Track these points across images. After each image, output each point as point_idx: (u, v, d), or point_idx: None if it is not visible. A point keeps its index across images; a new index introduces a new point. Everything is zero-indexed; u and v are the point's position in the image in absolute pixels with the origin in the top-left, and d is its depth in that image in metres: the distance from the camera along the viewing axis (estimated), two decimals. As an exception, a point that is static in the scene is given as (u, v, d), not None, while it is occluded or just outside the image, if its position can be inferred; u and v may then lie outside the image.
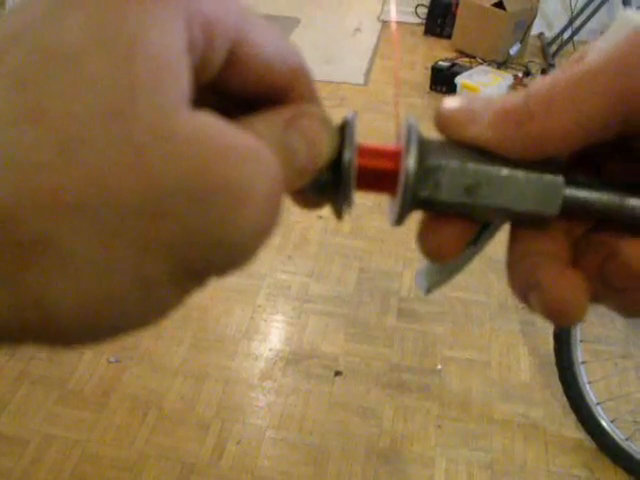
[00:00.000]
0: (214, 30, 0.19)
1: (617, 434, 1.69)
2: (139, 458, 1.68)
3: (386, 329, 2.05)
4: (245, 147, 0.18)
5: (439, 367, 1.94)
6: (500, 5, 3.56)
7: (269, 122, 0.22)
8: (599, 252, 0.25)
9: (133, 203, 0.16)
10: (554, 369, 1.80)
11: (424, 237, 0.26)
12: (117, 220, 0.16)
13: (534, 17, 3.76)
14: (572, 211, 0.25)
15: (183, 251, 0.17)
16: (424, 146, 0.24)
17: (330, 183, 0.24)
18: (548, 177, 0.24)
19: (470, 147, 0.24)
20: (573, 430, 1.79)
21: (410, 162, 0.23)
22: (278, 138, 0.21)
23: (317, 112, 0.23)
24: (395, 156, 0.25)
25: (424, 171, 0.24)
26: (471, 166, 0.24)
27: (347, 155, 0.24)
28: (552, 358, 1.81)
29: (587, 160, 0.26)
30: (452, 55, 3.70)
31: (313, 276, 2.23)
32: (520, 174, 0.24)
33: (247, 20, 0.21)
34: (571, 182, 0.24)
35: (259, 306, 2.10)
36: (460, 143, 0.24)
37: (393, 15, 4.21)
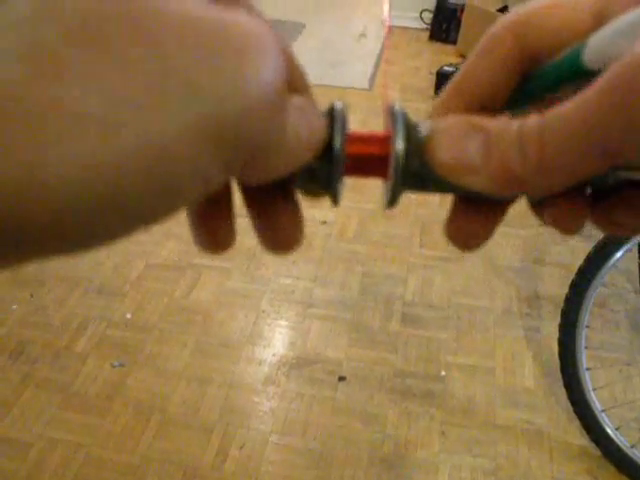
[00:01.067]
0: None
1: (622, 441, 1.69)
2: (142, 462, 1.67)
3: (390, 334, 2.05)
4: (251, 22, 0.18)
5: (443, 373, 1.94)
6: (506, 10, 3.56)
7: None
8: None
9: (139, 67, 0.16)
10: (559, 375, 1.80)
11: (452, 225, 0.27)
12: (124, 85, 0.15)
13: (539, 23, 3.75)
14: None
15: (198, 105, 0.16)
16: (411, 128, 0.25)
17: (322, 173, 0.25)
18: None
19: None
20: (578, 437, 1.78)
21: (398, 142, 0.24)
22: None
23: (312, 98, 0.24)
24: (384, 140, 0.25)
25: (412, 151, 0.24)
26: None
27: (337, 141, 0.24)
28: (557, 364, 1.80)
29: None
30: (457, 60, 3.70)
31: (317, 281, 2.23)
32: None
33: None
34: None
35: (263, 311, 2.10)
36: None
37: (386, 13, 4.20)
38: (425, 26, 4.20)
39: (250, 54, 0.18)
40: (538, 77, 0.26)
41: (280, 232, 0.27)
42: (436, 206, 2.59)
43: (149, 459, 1.68)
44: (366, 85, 3.54)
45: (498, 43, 0.25)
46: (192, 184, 0.18)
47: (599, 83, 0.19)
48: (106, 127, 0.15)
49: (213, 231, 0.26)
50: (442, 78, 3.40)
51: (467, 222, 0.27)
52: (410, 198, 2.61)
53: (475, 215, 0.26)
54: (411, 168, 0.24)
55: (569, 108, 0.20)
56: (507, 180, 0.22)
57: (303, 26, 4.18)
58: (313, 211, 2.51)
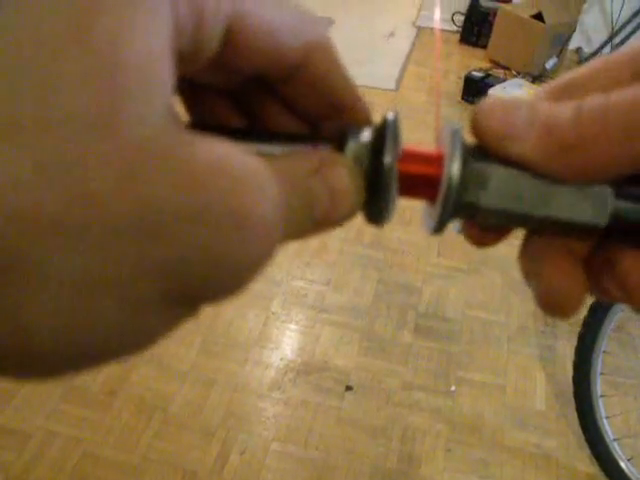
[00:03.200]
0: (204, 7, 0.17)
1: (634, 474, 1.64)
2: (141, 462, 1.65)
3: (401, 345, 2.01)
4: (247, 168, 0.17)
5: (453, 388, 1.90)
6: (539, 17, 3.50)
7: (293, 166, 0.20)
8: (601, 256, 0.25)
9: (122, 224, 0.15)
10: (571, 398, 1.76)
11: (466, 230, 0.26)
12: (103, 240, 0.15)
13: (573, 31, 3.68)
14: (620, 223, 0.23)
15: (177, 272, 0.16)
16: (467, 151, 0.23)
17: (368, 188, 0.23)
18: (597, 188, 0.23)
19: None
20: (587, 464, 1.74)
21: (454, 167, 0.22)
22: (300, 183, 0.20)
23: (343, 161, 0.22)
24: (436, 161, 0.23)
25: (467, 177, 0.23)
26: (516, 174, 0.22)
27: (387, 159, 0.22)
28: (570, 386, 1.76)
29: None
30: (486, 65, 3.64)
31: (330, 285, 2.19)
32: (563, 214, 0.23)
33: None
34: (621, 194, 0.23)
35: (273, 313, 2.07)
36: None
37: (437, 17, 4.15)
38: (456, 29, 4.14)
39: (246, 232, 0.17)
40: None
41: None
42: (456, 215, 2.54)
43: (148, 459, 1.66)
44: (392, 86, 3.49)
45: None
46: (154, 333, 0.18)
47: None
48: (83, 295, 0.15)
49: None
50: (470, 83, 3.34)
51: (482, 234, 0.26)
52: (430, 205, 2.57)
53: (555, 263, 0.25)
54: (463, 195, 0.23)
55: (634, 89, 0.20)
56: (555, 147, 0.21)
57: (332, 22, 4.13)
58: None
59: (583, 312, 1.72)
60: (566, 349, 2.01)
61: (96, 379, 1.83)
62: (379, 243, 2.39)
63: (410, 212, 2.54)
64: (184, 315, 0.18)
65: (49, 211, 0.14)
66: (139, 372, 1.85)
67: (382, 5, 4.51)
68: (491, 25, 3.81)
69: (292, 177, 0.20)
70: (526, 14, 3.54)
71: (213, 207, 0.16)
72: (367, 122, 0.25)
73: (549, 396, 1.90)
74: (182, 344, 1.94)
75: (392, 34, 4.11)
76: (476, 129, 0.23)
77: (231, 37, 0.19)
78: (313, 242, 2.34)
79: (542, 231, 0.25)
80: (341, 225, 0.22)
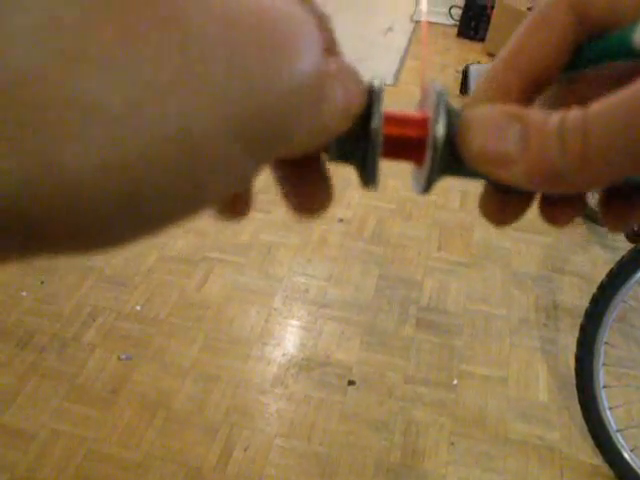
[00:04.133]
0: None
1: (637, 464, 1.64)
2: (144, 459, 1.65)
3: (403, 339, 2.01)
4: (296, 10, 0.18)
5: (455, 382, 1.90)
6: (536, 10, 3.49)
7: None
8: None
9: (169, 53, 0.14)
10: (574, 390, 1.76)
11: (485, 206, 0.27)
12: (153, 73, 0.14)
13: (571, 23, 3.67)
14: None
15: (236, 98, 0.15)
16: (452, 112, 0.23)
17: (356, 151, 0.24)
18: None
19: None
20: (590, 456, 1.74)
21: (439, 129, 0.23)
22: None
23: (353, 67, 0.22)
24: (422, 123, 0.24)
25: (452, 137, 0.23)
26: None
27: (375, 122, 0.23)
28: (572, 378, 1.76)
29: None
30: (484, 59, 3.64)
31: (331, 280, 2.19)
32: None
33: None
34: None
35: (275, 309, 2.07)
36: None
37: (424, 8, 4.15)
38: (453, 22, 4.14)
39: (294, 44, 0.17)
40: (587, 50, 0.25)
41: (308, 198, 0.26)
42: (456, 209, 2.54)
43: (152, 456, 1.66)
44: (391, 81, 3.49)
45: (554, 13, 0.24)
46: (220, 182, 0.17)
47: None
48: (130, 121, 0.14)
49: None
50: (468, 76, 3.34)
51: (500, 205, 0.26)
52: (429, 199, 2.56)
53: (508, 198, 0.26)
54: (448, 154, 0.23)
55: (616, 100, 0.19)
56: (545, 174, 0.21)
57: (329, 18, 4.12)
58: (330, 209, 2.46)
59: (585, 304, 1.72)
60: (568, 341, 2.01)
61: (98, 378, 1.83)
62: (380, 238, 2.39)
63: (410, 207, 2.54)
64: (244, 166, 0.17)
65: (97, 48, 0.14)
66: (141, 370, 1.85)
67: (380, 0, 4.50)
68: (489, 18, 3.81)
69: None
70: (524, 6, 3.54)
71: (254, 27, 0.16)
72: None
73: (552, 388, 1.90)
74: (184, 341, 1.94)
75: (390, 29, 4.10)
76: (467, 147, 0.23)
77: None
78: (314, 238, 2.34)
79: None
80: (346, 124, 0.22)
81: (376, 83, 0.24)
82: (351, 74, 0.22)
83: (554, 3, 0.24)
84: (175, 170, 0.15)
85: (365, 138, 0.23)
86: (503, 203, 0.26)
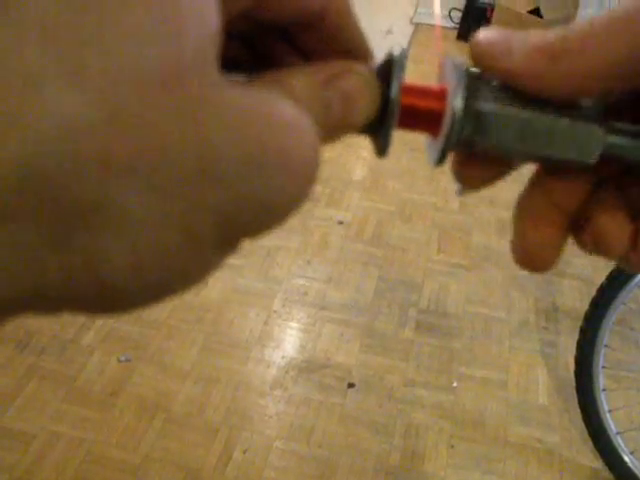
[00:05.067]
0: None
1: (637, 467, 1.64)
2: (143, 461, 1.65)
3: (403, 342, 2.01)
4: (294, 119, 0.19)
5: (455, 384, 1.90)
6: (536, 12, 3.50)
7: (307, 81, 0.22)
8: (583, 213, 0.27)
9: (187, 168, 0.16)
10: (573, 393, 1.76)
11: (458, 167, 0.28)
12: (171, 183, 0.16)
13: (571, 26, 3.67)
14: (610, 159, 0.25)
15: (231, 213, 0.18)
16: (470, 86, 0.24)
17: (372, 119, 0.24)
18: (591, 126, 0.24)
19: (512, 89, 0.24)
20: (590, 459, 1.73)
21: (457, 102, 0.23)
22: (315, 96, 0.21)
23: (361, 69, 0.23)
24: (440, 95, 0.25)
25: (470, 113, 0.24)
26: (518, 113, 0.24)
27: (394, 92, 0.23)
28: (572, 381, 1.76)
29: (627, 109, 0.27)
30: (484, 61, 3.64)
31: (331, 282, 2.19)
32: (564, 122, 0.24)
33: None
34: (611, 129, 0.25)
35: (274, 311, 2.07)
36: (499, 80, 0.25)
37: (437, 9, 4.15)
38: (453, 25, 4.13)
39: (291, 173, 0.18)
40: None
41: None
42: (456, 211, 2.54)
43: (151, 459, 1.65)
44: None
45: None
46: (215, 263, 0.20)
47: None
48: (153, 228, 0.17)
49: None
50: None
51: (533, 232, 0.27)
52: (429, 202, 2.56)
53: (538, 223, 0.27)
54: (465, 128, 0.24)
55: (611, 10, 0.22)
56: (544, 57, 0.22)
57: (329, 20, 4.12)
58: (330, 211, 2.47)
59: (585, 307, 1.72)
60: (568, 344, 2.01)
61: (98, 380, 1.83)
62: (379, 240, 2.39)
63: (410, 209, 2.53)
64: (231, 250, 0.20)
65: (120, 157, 0.15)
66: (141, 372, 1.85)
67: (379, 2, 4.50)
68: (488, 21, 3.81)
69: (309, 91, 0.21)
70: (523, 9, 3.55)
71: (267, 156, 0.18)
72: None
73: (551, 391, 1.90)
74: (184, 343, 1.94)
75: (389, 31, 4.11)
76: (475, 49, 0.24)
77: None
78: (313, 240, 2.34)
79: (540, 154, 0.26)
80: (358, 130, 0.24)
81: (396, 52, 0.24)
82: (361, 83, 0.23)
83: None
84: (183, 262, 0.18)
85: (383, 107, 0.24)
86: (535, 236, 0.27)
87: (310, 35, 0.24)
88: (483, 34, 0.24)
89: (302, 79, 0.22)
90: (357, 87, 0.23)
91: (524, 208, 0.27)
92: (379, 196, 2.58)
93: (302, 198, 0.20)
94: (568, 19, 3.63)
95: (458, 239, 2.41)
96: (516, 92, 0.24)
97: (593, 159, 0.25)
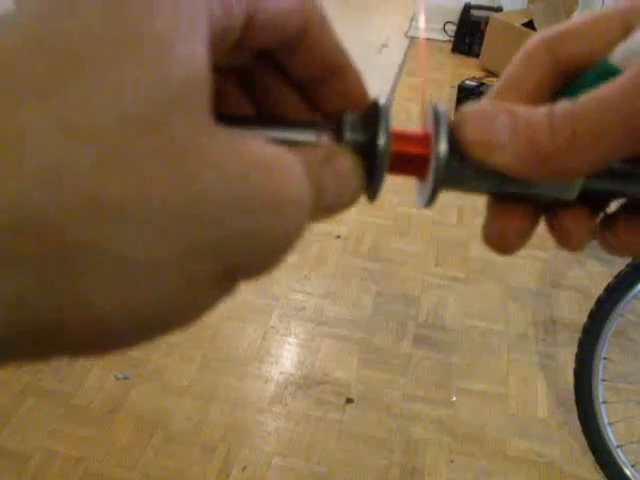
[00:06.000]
0: (231, 1, 0.19)
1: (638, 479, 1.63)
2: (142, 480, 1.64)
3: (401, 356, 2.00)
4: (278, 159, 0.19)
5: (454, 399, 1.89)
6: (530, 25, 3.51)
7: (308, 155, 0.22)
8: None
9: (178, 210, 0.17)
10: (573, 405, 1.75)
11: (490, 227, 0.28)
12: (162, 226, 0.17)
13: (565, 39, 3.69)
14: (588, 197, 0.27)
15: (224, 253, 0.18)
16: (451, 130, 0.25)
17: (362, 167, 0.25)
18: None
19: None
20: (591, 472, 1.72)
21: (442, 146, 0.24)
22: (314, 171, 0.22)
23: (347, 154, 0.24)
24: (424, 140, 0.26)
25: (453, 153, 0.25)
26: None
27: (381, 141, 0.24)
28: (571, 393, 1.75)
29: None
30: (479, 74, 3.65)
31: (329, 297, 2.18)
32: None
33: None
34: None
35: (272, 327, 2.06)
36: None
37: (421, 25, 4.16)
38: (448, 38, 4.15)
39: (283, 215, 0.19)
40: (576, 80, 0.27)
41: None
42: (453, 225, 2.54)
43: (149, 477, 1.64)
44: (385, 97, 3.50)
45: (534, 53, 0.27)
46: (212, 302, 0.20)
47: (631, 70, 0.21)
48: (148, 272, 0.17)
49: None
50: (464, 92, 3.35)
51: (505, 222, 0.27)
52: (426, 215, 2.56)
53: (511, 213, 0.27)
54: (450, 169, 0.25)
55: (603, 92, 0.22)
56: (535, 157, 0.23)
57: (325, 34, 4.14)
58: (327, 225, 2.47)
59: (583, 318, 1.72)
60: (567, 356, 2.00)
61: (95, 398, 1.82)
62: (377, 254, 2.39)
63: (407, 222, 2.53)
64: (228, 290, 0.20)
65: (112, 200, 0.16)
66: (138, 389, 1.84)
67: (374, 17, 4.52)
68: (483, 34, 3.82)
69: (309, 166, 0.22)
70: (517, 22, 3.56)
71: (255, 196, 0.18)
72: (358, 86, 0.27)
73: (551, 404, 1.89)
74: (181, 360, 1.93)
75: (385, 45, 4.12)
76: (459, 138, 0.24)
77: (248, 21, 0.21)
78: (311, 255, 2.34)
79: (527, 192, 0.27)
80: (348, 209, 0.24)
81: (381, 101, 0.25)
82: (351, 167, 0.24)
83: (533, 45, 0.27)
84: (180, 303, 0.19)
85: (371, 155, 0.25)
86: (506, 225, 0.27)
87: (296, 58, 0.25)
88: (466, 117, 0.24)
89: (302, 154, 0.22)
90: (349, 168, 0.24)
91: (500, 197, 0.28)
92: (376, 210, 2.58)
93: (294, 237, 0.20)
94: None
95: (456, 252, 2.41)
96: None
97: (570, 197, 0.26)
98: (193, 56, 0.17)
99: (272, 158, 0.19)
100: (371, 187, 0.26)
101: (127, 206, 0.16)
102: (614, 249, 0.27)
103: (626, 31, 0.25)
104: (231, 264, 0.19)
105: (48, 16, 0.16)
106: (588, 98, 0.22)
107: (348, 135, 0.25)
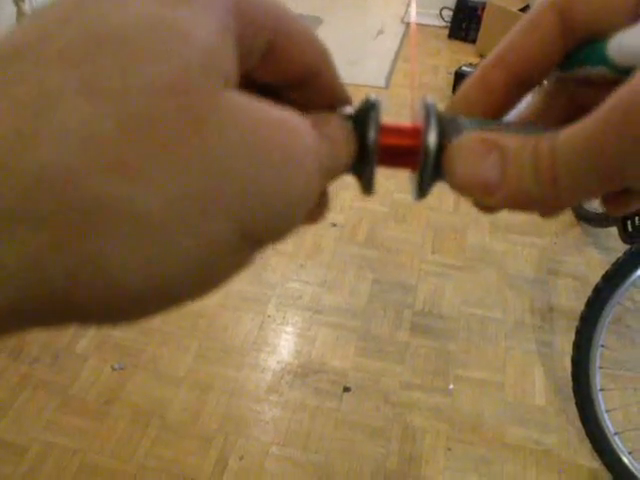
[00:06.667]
0: (257, 23, 0.21)
1: (635, 467, 1.63)
2: (139, 471, 1.63)
3: (398, 344, 1.99)
4: (292, 119, 0.20)
5: (451, 387, 1.88)
6: (527, 10, 3.49)
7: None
8: None
9: (196, 170, 0.17)
10: (571, 393, 1.74)
11: None
12: (181, 185, 0.17)
13: (562, 24, 3.67)
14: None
15: (243, 211, 0.18)
16: (442, 122, 0.25)
17: (354, 161, 0.26)
18: None
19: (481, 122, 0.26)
20: (589, 459, 1.72)
21: (431, 138, 0.25)
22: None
23: (340, 119, 0.25)
24: (415, 133, 0.26)
25: (442, 145, 0.25)
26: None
27: (371, 135, 0.25)
28: (569, 381, 1.75)
29: None
30: (476, 60, 3.63)
31: (325, 286, 2.18)
32: None
33: (283, 11, 0.22)
34: None
35: (269, 316, 2.05)
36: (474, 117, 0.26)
37: (413, 14, 4.14)
38: (444, 24, 4.13)
39: (298, 169, 0.20)
40: (576, 54, 0.26)
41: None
42: (450, 212, 2.53)
43: (146, 467, 1.64)
44: (382, 83, 3.48)
45: (542, 17, 0.26)
46: (230, 269, 0.20)
47: (603, 109, 0.20)
48: (167, 232, 0.17)
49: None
50: (460, 78, 3.33)
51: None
52: (423, 203, 2.55)
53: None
54: (441, 161, 0.25)
55: (576, 131, 0.21)
56: (523, 201, 0.23)
57: (320, 21, 4.11)
58: (323, 213, 2.45)
59: (580, 305, 1.71)
60: (564, 344, 2.00)
61: (91, 389, 1.81)
62: (373, 242, 2.38)
63: (403, 210, 2.52)
64: (246, 257, 0.21)
65: (135, 161, 0.16)
66: (135, 380, 1.84)
67: (370, 2, 4.49)
68: (479, 19, 3.80)
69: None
70: (514, 7, 3.54)
71: (269, 149, 0.19)
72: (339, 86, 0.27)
73: (548, 392, 1.89)
74: (177, 350, 1.92)
75: (381, 31, 4.10)
76: (451, 175, 0.25)
77: (270, 49, 0.22)
78: (307, 243, 2.33)
79: None
80: (343, 173, 0.25)
81: (372, 97, 0.26)
82: (341, 130, 0.25)
83: (542, 7, 0.26)
84: (199, 266, 0.18)
85: (363, 149, 0.25)
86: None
87: (300, 92, 0.25)
88: (458, 158, 0.24)
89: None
90: (340, 133, 0.24)
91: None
92: (372, 197, 2.57)
93: (309, 191, 0.21)
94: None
95: (452, 240, 2.40)
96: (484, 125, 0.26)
97: None
98: (212, 34, 0.18)
99: (281, 115, 0.20)
100: (365, 180, 0.26)
101: (147, 167, 0.16)
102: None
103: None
104: (248, 225, 0.19)
105: (77, 2, 0.18)
106: (566, 137, 0.22)
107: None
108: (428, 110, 0.26)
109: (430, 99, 0.26)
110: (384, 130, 0.26)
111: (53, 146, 0.15)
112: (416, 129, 0.26)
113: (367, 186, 0.27)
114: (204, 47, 0.18)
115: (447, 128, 0.25)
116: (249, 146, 0.18)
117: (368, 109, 0.26)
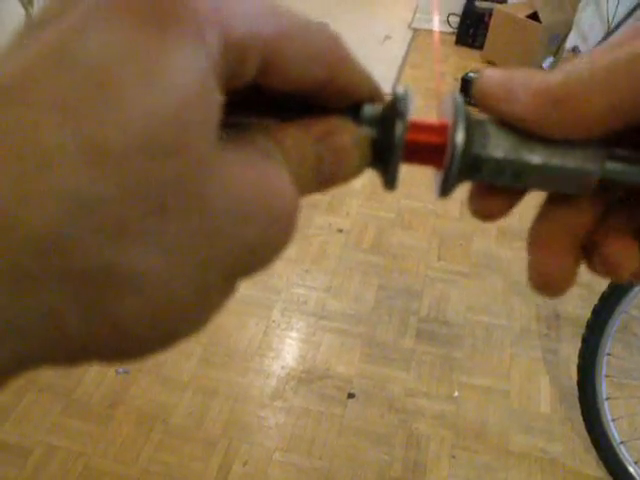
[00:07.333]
0: (246, 44, 0.20)
1: (641, 477, 1.62)
2: (142, 475, 1.63)
3: (403, 351, 1.99)
4: (272, 179, 0.21)
5: (456, 394, 1.88)
6: (535, 17, 3.48)
7: (300, 137, 0.23)
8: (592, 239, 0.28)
9: (192, 227, 0.18)
10: (576, 401, 1.74)
11: (473, 202, 0.28)
12: (180, 245, 0.18)
13: (569, 30, 3.67)
14: (611, 184, 0.26)
15: (230, 262, 0.20)
16: (470, 121, 0.25)
17: (379, 156, 0.26)
18: (584, 164, 0.25)
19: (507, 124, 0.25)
20: (594, 468, 1.72)
21: (459, 136, 0.25)
22: (307, 150, 0.23)
23: (349, 128, 0.24)
24: (442, 130, 0.26)
25: (469, 143, 0.25)
26: (514, 155, 0.25)
27: (398, 131, 0.25)
28: (574, 389, 1.74)
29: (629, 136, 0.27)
30: (483, 66, 3.63)
31: (330, 292, 2.17)
32: (555, 162, 0.25)
33: (279, 25, 0.21)
34: (610, 156, 0.25)
35: (273, 321, 2.05)
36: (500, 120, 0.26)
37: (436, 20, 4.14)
38: (452, 30, 4.12)
39: (279, 227, 0.21)
40: None
41: None
42: (456, 218, 2.53)
43: (149, 472, 1.64)
44: (389, 90, 3.47)
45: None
46: (219, 304, 0.22)
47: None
48: (169, 286, 0.18)
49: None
50: (467, 84, 3.33)
51: (547, 259, 0.27)
52: (429, 209, 2.55)
53: (550, 249, 0.27)
54: (467, 159, 0.25)
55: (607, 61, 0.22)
56: (547, 101, 0.23)
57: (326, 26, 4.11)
58: (329, 219, 2.46)
59: (586, 313, 1.71)
60: (570, 351, 1.99)
61: (96, 392, 1.81)
62: (379, 248, 2.37)
63: (409, 216, 2.52)
64: (232, 291, 0.22)
65: (135, 222, 0.17)
66: (139, 384, 1.83)
67: (377, 8, 4.50)
68: (487, 26, 3.80)
69: (300, 148, 0.23)
70: (522, 14, 3.53)
71: (256, 210, 0.20)
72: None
73: (554, 400, 1.88)
74: (182, 355, 1.92)
75: (388, 37, 4.10)
76: (478, 94, 0.25)
77: (265, 67, 0.21)
78: (312, 249, 2.33)
79: (541, 185, 0.26)
80: (347, 182, 0.25)
81: (400, 91, 0.25)
82: (349, 140, 0.24)
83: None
84: (195, 311, 0.20)
85: (388, 145, 0.25)
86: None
87: (320, 99, 0.25)
88: (486, 75, 0.25)
89: (295, 134, 0.23)
90: (348, 144, 0.24)
91: (536, 236, 0.28)
92: (379, 203, 2.56)
93: (288, 241, 0.22)
94: (567, 23, 3.62)
95: (458, 246, 2.40)
96: (511, 127, 0.25)
97: (596, 170, 0.25)
98: (201, 81, 0.18)
99: (262, 176, 0.21)
100: (388, 175, 0.26)
101: (148, 229, 0.17)
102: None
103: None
104: (236, 270, 0.21)
105: (68, 31, 0.17)
106: (605, 55, 0.23)
107: (366, 124, 0.25)
108: (457, 108, 0.25)
109: (459, 95, 0.26)
110: (410, 126, 0.25)
111: (53, 209, 0.15)
112: (443, 126, 0.26)
113: (390, 182, 0.27)
114: (199, 102, 0.18)
115: (474, 131, 0.25)
116: (237, 212, 0.19)
117: (395, 103, 0.25)
